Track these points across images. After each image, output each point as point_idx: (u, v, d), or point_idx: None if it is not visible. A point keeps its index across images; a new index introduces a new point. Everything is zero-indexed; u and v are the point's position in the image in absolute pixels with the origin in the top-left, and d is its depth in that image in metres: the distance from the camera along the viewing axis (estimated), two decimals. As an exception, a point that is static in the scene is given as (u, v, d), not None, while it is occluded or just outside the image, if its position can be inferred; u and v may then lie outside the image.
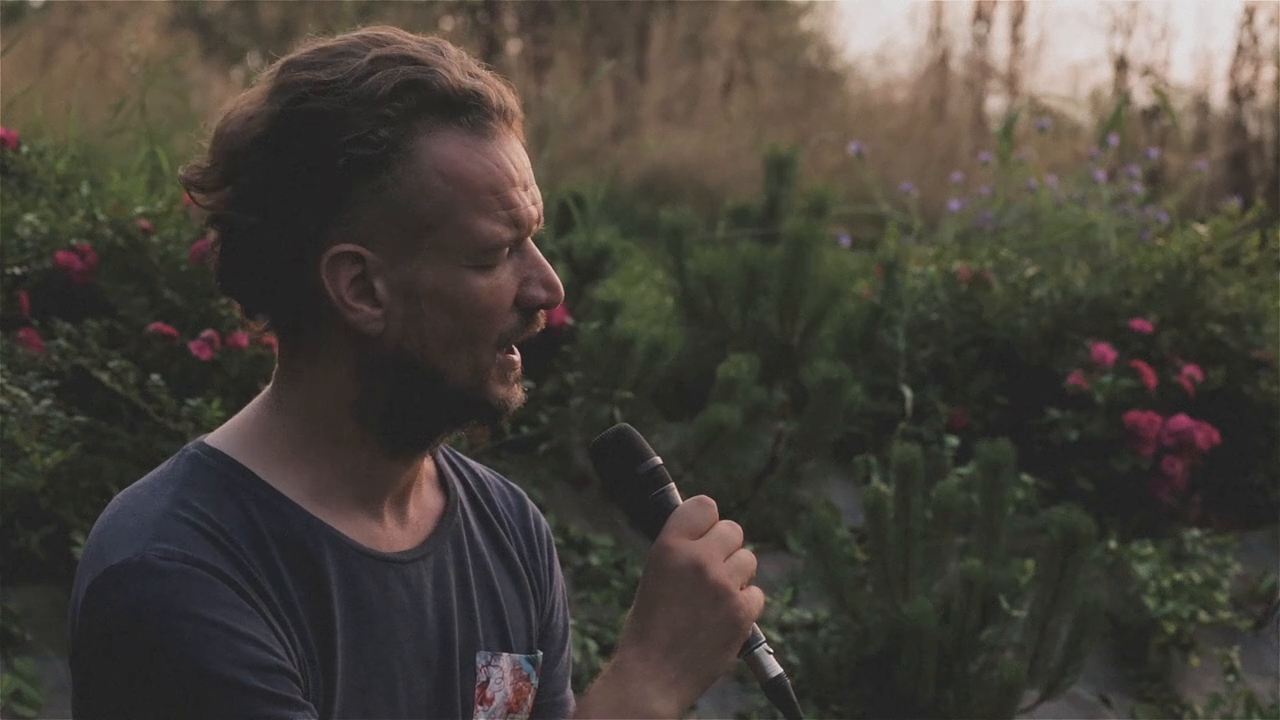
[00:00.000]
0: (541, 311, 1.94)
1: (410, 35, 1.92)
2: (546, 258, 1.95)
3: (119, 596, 1.82)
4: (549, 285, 1.93)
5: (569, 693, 2.13)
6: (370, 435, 1.92)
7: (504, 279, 1.91)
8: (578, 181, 7.78)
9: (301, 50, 1.91)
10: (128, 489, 1.94)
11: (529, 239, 1.93)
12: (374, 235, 1.87)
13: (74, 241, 5.01)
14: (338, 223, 1.87)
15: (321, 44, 1.91)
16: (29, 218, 5.09)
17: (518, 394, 1.95)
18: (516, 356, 1.94)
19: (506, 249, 1.91)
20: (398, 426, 1.92)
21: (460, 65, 1.91)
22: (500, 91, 1.92)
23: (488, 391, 1.92)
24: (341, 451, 1.93)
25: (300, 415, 1.93)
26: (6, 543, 4.50)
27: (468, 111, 1.89)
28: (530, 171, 1.94)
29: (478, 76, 1.91)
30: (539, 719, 2.08)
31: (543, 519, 2.14)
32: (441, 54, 1.90)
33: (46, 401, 4.52)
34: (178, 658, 1.80)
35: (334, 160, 1.85)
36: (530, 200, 1.92)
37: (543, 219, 1.96)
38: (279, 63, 1.91)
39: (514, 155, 1.92)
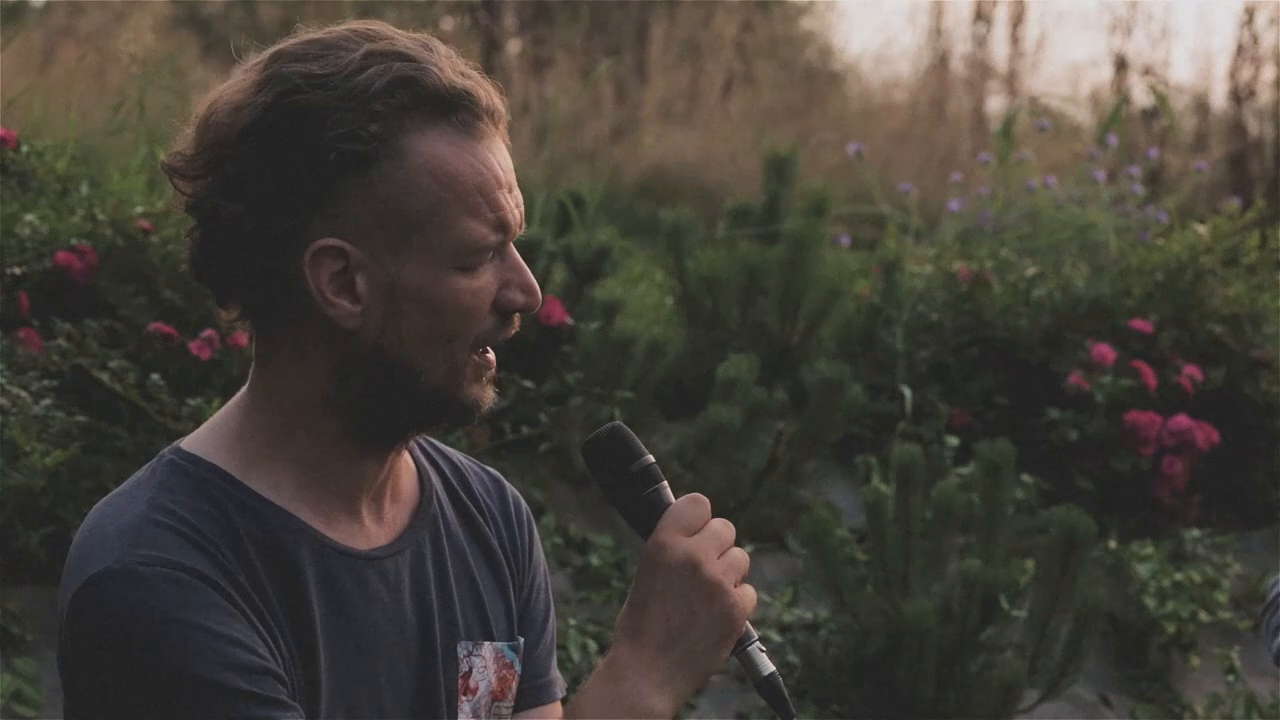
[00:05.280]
0: (517, 315, 1.94)
1: (400, 31, 1.91)
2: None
3: (102, 605, 1.82)
4: (527, 290, 1.93)
5: (554, 673, 2.13)
6: (344, 431, 1.92)
7: (485, 281, 1.91)
8: (577, 181, 7.78)
9: (292, 42, 1.90)
10: (105, 498, 1.93)
11: (510, 243, 1.93)
12: (360, 232, 1.87)
13: (74, 241, 5.02)
14: (323, 217, 1.86)
15: (313, 36, 1.90)
16: (29, 218, 5.10)
17: (489, 394, 1.95)
18: (492, 357, 1.95)
19: (490, 252, 1.90)
20: (370, 423, 1.92)
21: (451, 64, 1.90)
22: (489, 92, 1.91)
23: (462, 391, 1.92)
24: (317, 447, 1.92)
25: (275, 411, 1.92)
26: (6, 543, 4.50)
27: (458, 111, 1.89)
28: (514, 175, 1.93)
29: (468, 76, 1.91)
30: (525, 702, 2.08)
31: (522, 502, 2.13)
32: (432, 51, 1.90)
33: (46, 401, 4.52)
34: (164, 663, 1.80)
35: (323, 154, 1.84)
36: (514, 204, 1.92)
37: (524, 223, 1.95)
38: (268, 53, 1.90)
39: (501, 157, 1.91)
